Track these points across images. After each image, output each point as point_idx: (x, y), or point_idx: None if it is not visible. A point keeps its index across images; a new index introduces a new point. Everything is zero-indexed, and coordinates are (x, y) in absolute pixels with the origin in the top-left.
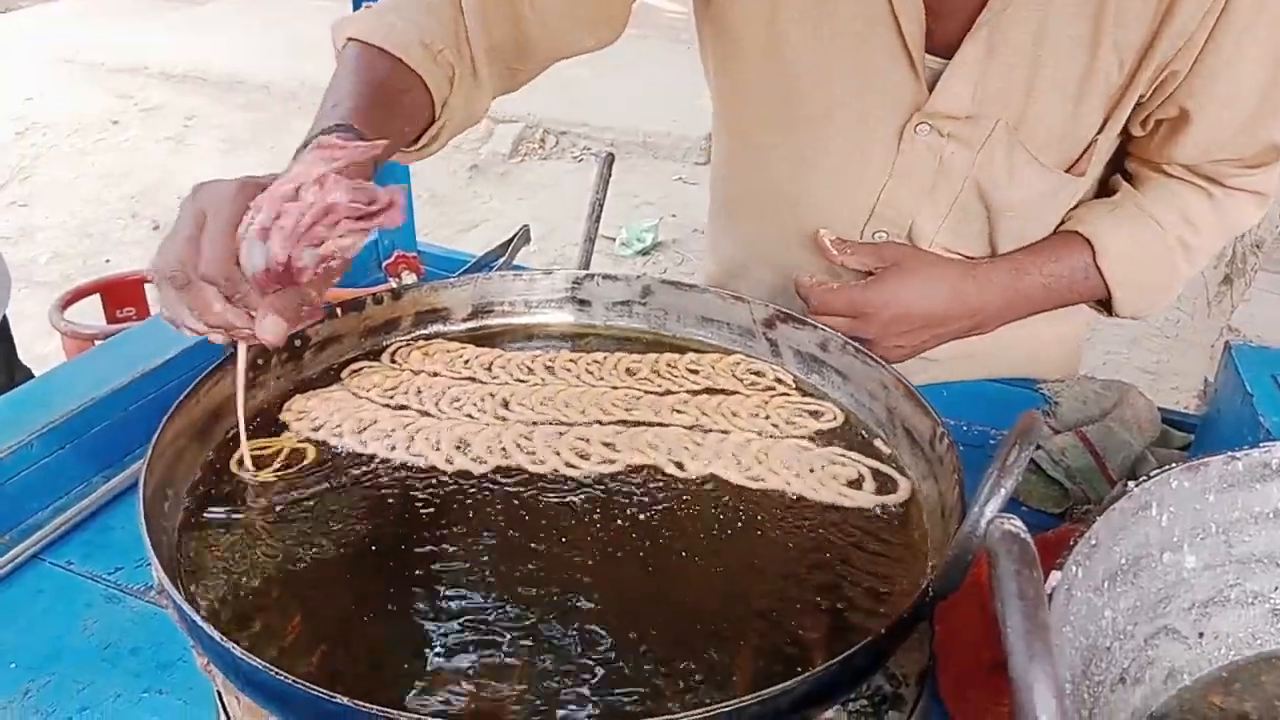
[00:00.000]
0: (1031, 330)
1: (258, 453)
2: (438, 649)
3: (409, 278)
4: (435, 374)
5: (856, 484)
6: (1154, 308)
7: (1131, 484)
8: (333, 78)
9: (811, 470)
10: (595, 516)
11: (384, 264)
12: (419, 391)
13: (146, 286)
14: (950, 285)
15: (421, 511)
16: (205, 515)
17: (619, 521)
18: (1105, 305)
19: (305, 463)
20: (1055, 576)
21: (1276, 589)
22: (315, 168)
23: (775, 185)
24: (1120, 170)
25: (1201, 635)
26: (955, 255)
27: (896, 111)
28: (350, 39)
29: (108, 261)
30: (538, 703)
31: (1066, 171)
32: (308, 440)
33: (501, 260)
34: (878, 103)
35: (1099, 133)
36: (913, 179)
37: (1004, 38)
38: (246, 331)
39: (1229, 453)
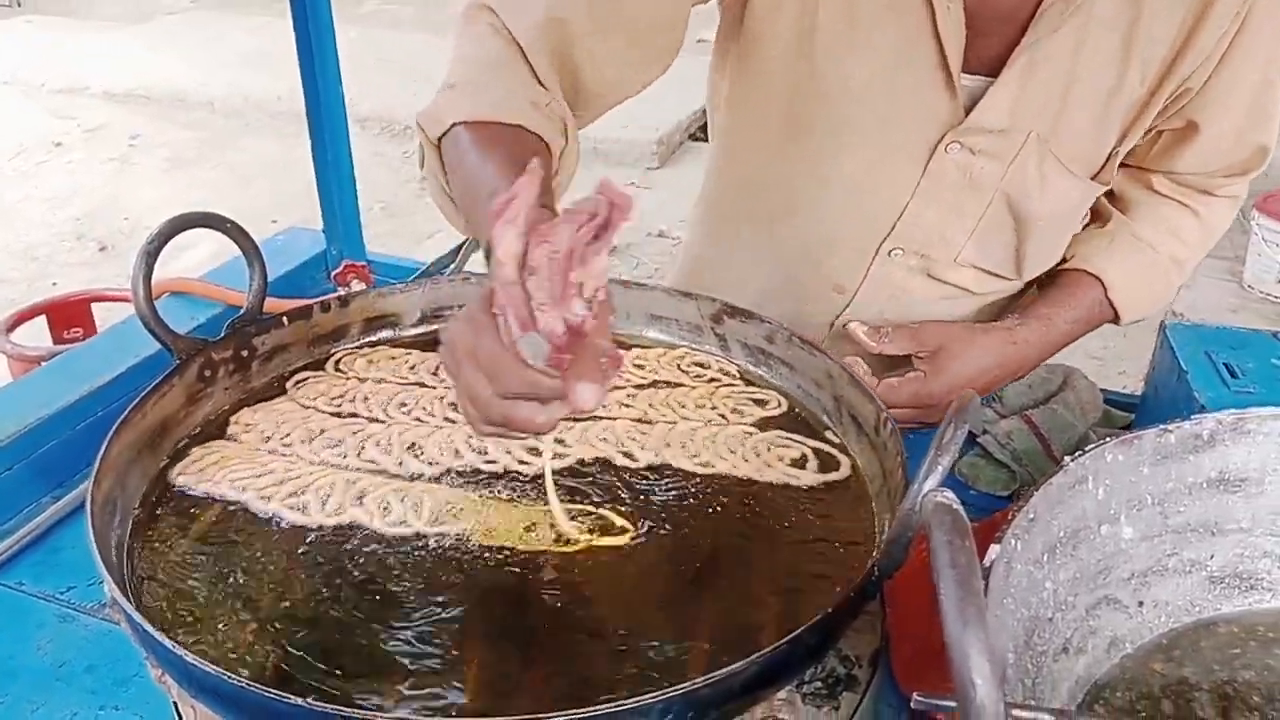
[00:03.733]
0: None
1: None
2: (393, 648)
3: (358, 286)
4: (381, 380)
5: (800, 463)
6: (1149, 313)
7: (1068, 459)
8: (461, 169)
9: (757, 453)
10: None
11: (332, 274)
12: (366, 398)
13: (93, 307)
14: (996, 356)
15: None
16: (156, 529)
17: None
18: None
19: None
20: (994, 550)
21: (1212, 557)
22: (512, 233)
23: (785, 198)
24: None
25: (1141, 604)
26: (980, 271)
27: (927, 130)
28: (455, 124)
29: (54, 285)
30: (494, 695)
31: (1092, 179)
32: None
33: (452, 266)
34: (908, 121)
35: (1118, 144)
36: (939, 197)
37: (1045, 55)
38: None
39: (1161, 426)
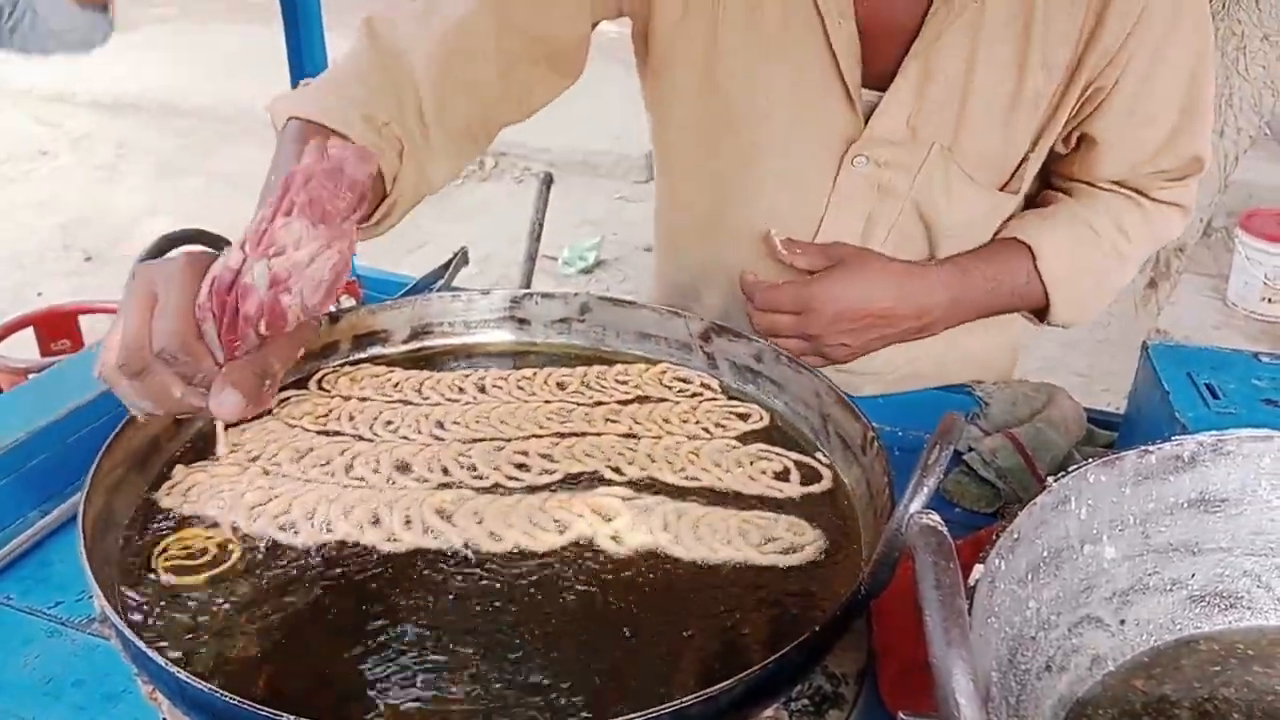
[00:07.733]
0: (970, 341)
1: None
2: (386, 667)
3: (347, 301)
4: (365, 399)
5: (783, 476)
6: (1086, 314)
7: (1051, 480)
8: (275, 156)
9: (740, 466)
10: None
11: None
12: (351, 417)
13: (81, 318)
14: (896, 282)
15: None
16: (144, 545)
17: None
18: (1040, 313)
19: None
20: (978, 570)
21: (1193, 576)
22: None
23: (717, 216)
24: (1049, 186)
25: (1123, 623)
26: None
27: (832, 144)
28: (292, 117)
29: (40, 294)
30: (484, 712)
31: (1001, 190)
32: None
33: (440, 282)
34: (813, 137)
35: (1030, 150)
36: (851, 208)
37: (938, 65)
38: (204, 410)
39: (1142, 447)
